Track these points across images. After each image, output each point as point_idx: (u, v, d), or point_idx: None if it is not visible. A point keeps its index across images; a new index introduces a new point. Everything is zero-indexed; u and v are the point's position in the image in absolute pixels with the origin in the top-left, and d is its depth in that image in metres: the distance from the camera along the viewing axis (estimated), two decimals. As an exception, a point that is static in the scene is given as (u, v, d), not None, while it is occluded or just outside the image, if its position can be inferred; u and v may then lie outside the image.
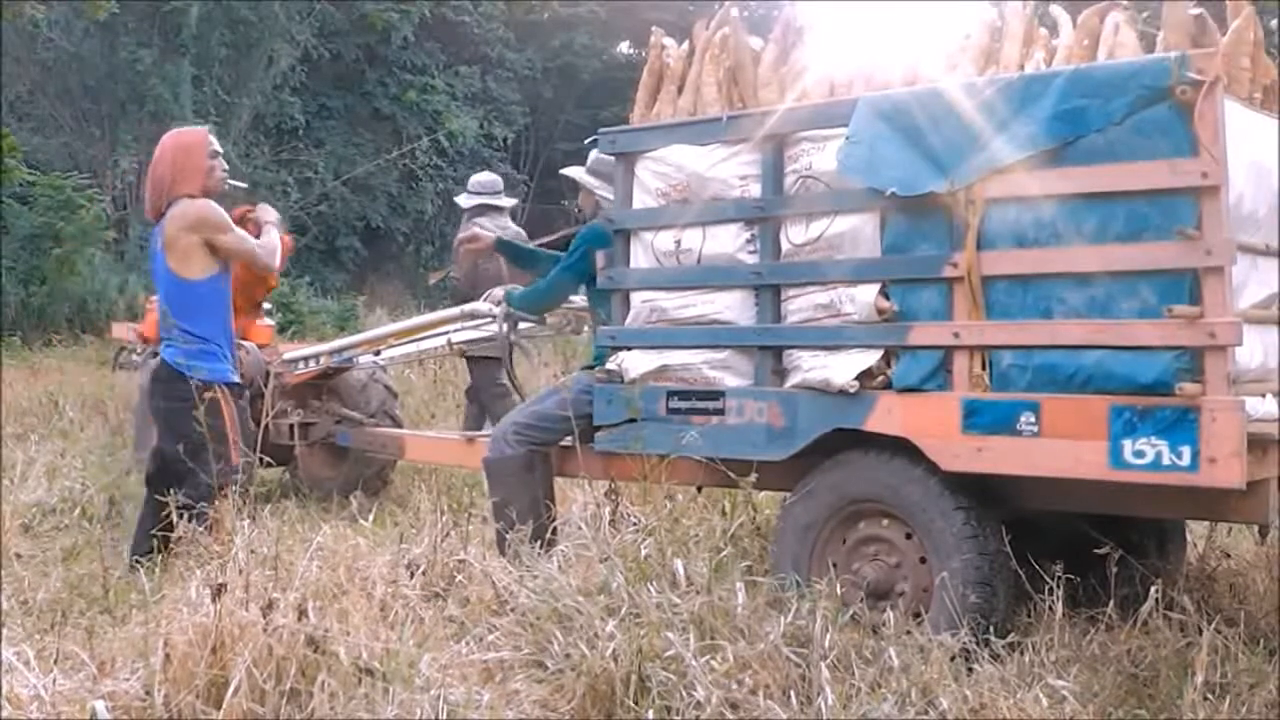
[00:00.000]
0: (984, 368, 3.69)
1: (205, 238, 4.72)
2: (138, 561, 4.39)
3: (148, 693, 3.01)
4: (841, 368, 3.91)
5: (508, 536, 4.23)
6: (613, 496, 4.47)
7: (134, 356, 8.99)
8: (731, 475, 4.04)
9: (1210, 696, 3.23)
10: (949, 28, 4.10)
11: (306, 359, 7.01)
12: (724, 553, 3.81)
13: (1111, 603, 3.59)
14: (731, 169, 4.24)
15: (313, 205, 21.10)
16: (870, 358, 3.89)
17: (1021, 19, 3.96)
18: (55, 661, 3.14)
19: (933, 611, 3.72)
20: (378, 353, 6.88)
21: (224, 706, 2.93)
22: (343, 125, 22.27)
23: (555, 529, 4.51)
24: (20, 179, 15.80)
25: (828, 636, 3.36)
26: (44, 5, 16.07)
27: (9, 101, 18.05)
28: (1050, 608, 3.55)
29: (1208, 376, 3.33)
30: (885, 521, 3.91)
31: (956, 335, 3.73)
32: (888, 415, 3.82)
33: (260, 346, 7.22)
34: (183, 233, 4.71)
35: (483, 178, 8.11)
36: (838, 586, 3.76)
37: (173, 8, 18.44)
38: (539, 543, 4.20)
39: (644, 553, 3.77)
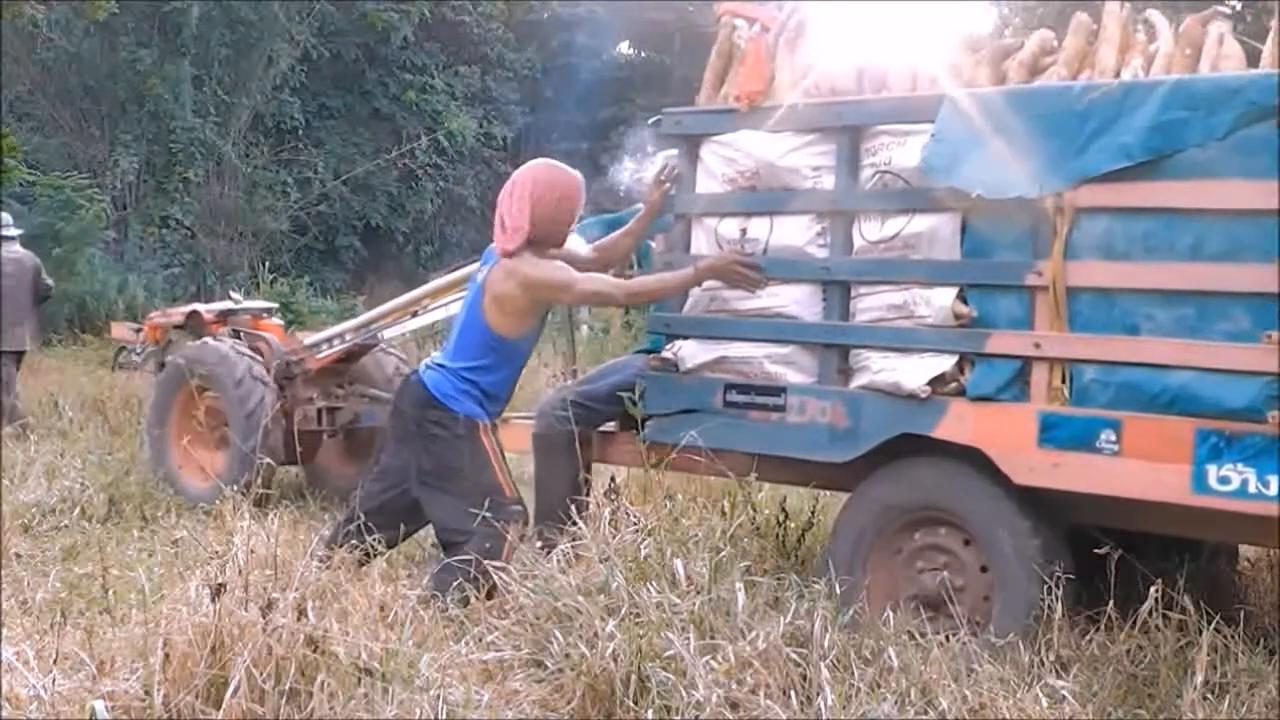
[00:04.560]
0: (1064, 381, 3.61)
1: (549, 299, 4.31)
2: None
3: (147, 693, 3.01)
4: (913, 371, 3.81)
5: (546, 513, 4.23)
6: (613, 496, 4.46)
7: (134, 356, 8.99)
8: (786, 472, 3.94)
9: (1210, 696, 3.23)
10: (1044, 29, 3.98)
11: (330, 339, 6.86)
12: (724, 553, 3.80)
13: (1111, 603, 3.58)
14: (804, 158, 4.11)
15: (313, 205, 21.08)
16: (944, 363, 3.79)
17: (1118, 22, 3.83)
18: (55, 661, 3.12)
19: (991, 622, 3.65)
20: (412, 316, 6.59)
21: (223, 706, 2.93)
22: (342, 125, 22.23)
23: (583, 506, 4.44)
24: (20, 179, 15.77)
25: (827, 636, 3.36)
26: (44, 5, 16.05)
27: (9, 101, 18.02)
28: (1050, 608, 3.54)
29: None
30: (944, 530, 3.84)
31: (1037, 345, 3.64)
32: (959, 423, 3.73)
33: (275, 339, 7.13)
34: (524, 291, 4.20)
35: None
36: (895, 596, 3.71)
37: (173, 8, 18.42)
38: (575, 519, 4.10)
39: (644, 552, 3.76)
